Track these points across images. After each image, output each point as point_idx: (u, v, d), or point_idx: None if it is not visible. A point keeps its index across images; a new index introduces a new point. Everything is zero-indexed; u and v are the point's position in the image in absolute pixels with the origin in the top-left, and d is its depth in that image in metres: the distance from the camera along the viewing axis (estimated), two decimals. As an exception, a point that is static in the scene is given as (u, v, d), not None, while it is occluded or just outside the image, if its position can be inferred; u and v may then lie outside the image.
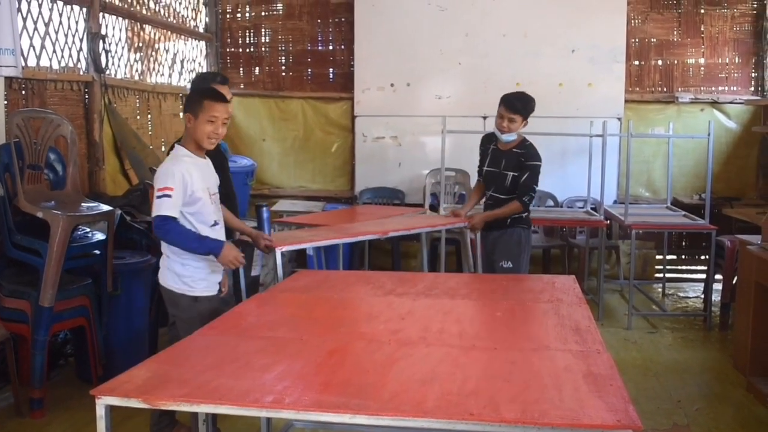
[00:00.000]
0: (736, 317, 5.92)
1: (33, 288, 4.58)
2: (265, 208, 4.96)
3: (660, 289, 8.04)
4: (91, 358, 5.02)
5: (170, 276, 3.80)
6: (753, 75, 8.58)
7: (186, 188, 3.63)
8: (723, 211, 7.85)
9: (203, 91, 3.81)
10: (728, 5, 8.51)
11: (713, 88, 8.59)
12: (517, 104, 5.23)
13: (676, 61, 8.62)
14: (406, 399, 2.33)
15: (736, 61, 8.59)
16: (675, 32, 8.59)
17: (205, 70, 8.80)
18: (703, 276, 7.54)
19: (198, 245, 3.68)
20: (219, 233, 3.84)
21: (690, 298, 7.89)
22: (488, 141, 5.59)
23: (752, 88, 8.57)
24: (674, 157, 7.88)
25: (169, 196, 3.58)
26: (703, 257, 8.42)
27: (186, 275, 3.76)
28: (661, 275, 8.13)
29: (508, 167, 5.31)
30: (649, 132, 8.46)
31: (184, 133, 3.82)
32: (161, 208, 3.57)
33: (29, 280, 4.72)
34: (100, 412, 2.37)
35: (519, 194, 5.24)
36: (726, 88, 8.60)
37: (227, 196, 4.37)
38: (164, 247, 3.80)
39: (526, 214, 5.35)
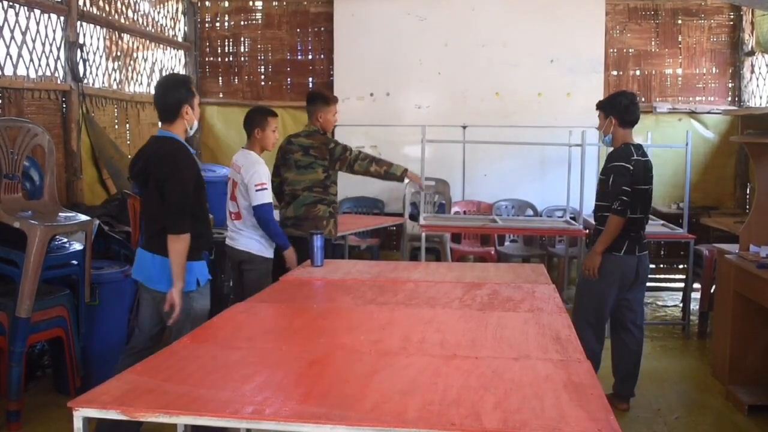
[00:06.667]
0: (714, 326, 5.95)
1: (10, 299, 4.52)
2: (317, 236, 4.72)
3: (639, 298, 8.06)
4: (69, 370, 4.97)
5: (255, 243, 5.03)
6: (730, 85, 8.66)
7: None
8: (701, 221, 7.90)
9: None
10: (705, 16, 8.60)
11: (691, 98, 8.67)
12: (600, 101, 5.06)
13: (653, 71, 8.70)
14: (387, 409, 2.32)
15: (714, 71, 8.68)
16: (653, 43, 8.67)
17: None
18: (682, 285, 7.57)
19: (280, 239, 5.04)
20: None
21: (668, 306, 7.92)
22: None
23: (729, 98, 8.66)
24: (653, 166, 7.91)
25: (266, 188, 4.88)
26: (681, 266, 8.47)
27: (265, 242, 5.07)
28: (640, 284, 8.16)
29: (602, 171, 4.96)
30: (628, 141, 8.51)
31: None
32: (266, 195, 4.87)
33: (6, 291, 4.67)
34: (78, 424, 2.34)
35: (612, 204, 4.72)
36: (703, 98, 8.68)
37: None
38: (244, 227, 5.03)
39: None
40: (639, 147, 4.87)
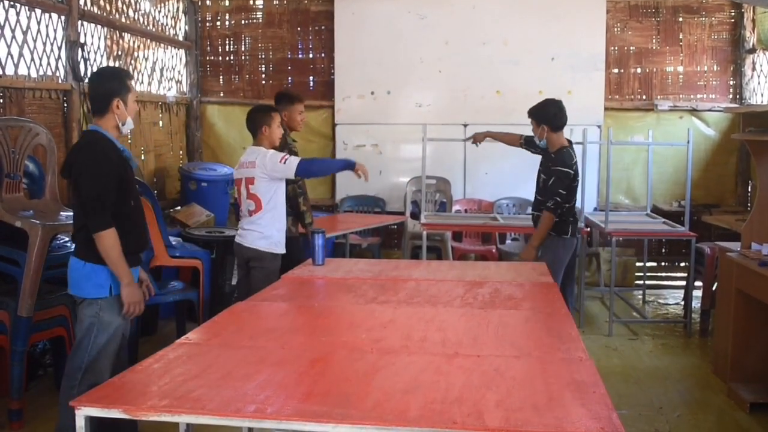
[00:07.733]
0: (715, 324, 5.95)
1: (11, 298, 4.53)
2: (318, 235, 4.76)
3: (640, 296, 8.07)
4: (70, 369, 4.97)
5: (264, 241, 5.00)
6: (731, 83, 8.65)
7: None
8: (702, 218, 7.89)
9: None
10: (706, 14, 8.58)
11: (692, 96, 8.65)
12: (532, 110, 5.68)
13: (655, 69, 8.68)
14: (389, 408, 2.32)
15: (715, 69, 8.66)
16: (654, 40, 8.65)
17: (184, 79, 8.78)
18: (683, 283, 7.57)
19: (341, 163, 5.63)
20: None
21: (670, 304, 7.93)
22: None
23: (730, 96, 8.64)
24: (654, 164, 7.91)
25: (289, 156, 4.88)
26: (682, 264, 8.46)
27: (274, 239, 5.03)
28: (642, 282, 8.16)
29: (542, 169, 5.74)
30: (629, 139, 8.52)
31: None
32: (294, 160, 4.86)
33: (7, 290, 4.68)
34: (80, 423, 2.34)
35: (547, 202, 5.47)
36: (704, 96, 8.66)
37: None
38: (256, 223, 4.99)
39: (557, 220, 5.50)
40: (572, 145, 5.68)
